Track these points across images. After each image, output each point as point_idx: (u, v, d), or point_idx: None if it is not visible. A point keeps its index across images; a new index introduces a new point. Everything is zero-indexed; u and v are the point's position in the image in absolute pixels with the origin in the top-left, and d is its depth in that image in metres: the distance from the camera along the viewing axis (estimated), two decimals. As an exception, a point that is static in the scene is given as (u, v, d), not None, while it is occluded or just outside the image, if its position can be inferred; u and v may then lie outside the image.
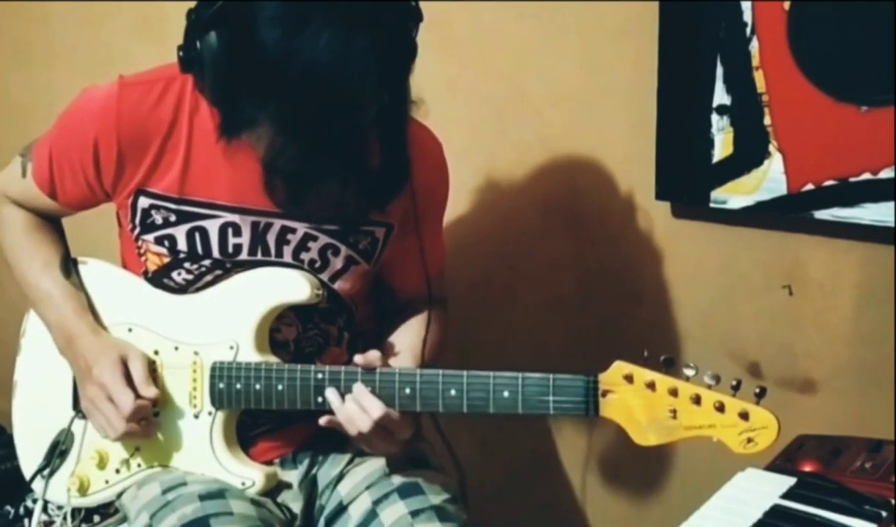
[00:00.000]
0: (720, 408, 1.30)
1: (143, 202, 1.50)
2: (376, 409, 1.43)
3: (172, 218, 1.50)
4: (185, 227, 1.50)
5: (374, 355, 1.46)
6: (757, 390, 1.29)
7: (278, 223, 1.50)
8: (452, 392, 1.41)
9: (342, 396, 1.45)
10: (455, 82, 1.96)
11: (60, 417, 1.63)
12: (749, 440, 1.29)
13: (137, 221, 1.51)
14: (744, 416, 1.29)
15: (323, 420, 1.47)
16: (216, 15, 1.29)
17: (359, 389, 1.45)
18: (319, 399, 1.47)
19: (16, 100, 2.63)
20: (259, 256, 1.51)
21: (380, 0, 1.29)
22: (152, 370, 1.54)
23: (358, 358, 1.46)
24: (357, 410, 1.44)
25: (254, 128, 1.33)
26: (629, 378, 1.34)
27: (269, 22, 1.25)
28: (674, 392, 1.32)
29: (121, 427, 1.50)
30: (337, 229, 1.51)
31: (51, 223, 1.64)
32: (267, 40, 1.24)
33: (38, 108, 2.42)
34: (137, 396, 1.49)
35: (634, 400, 1.34)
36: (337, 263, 1.53)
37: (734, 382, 1.30)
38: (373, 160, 1.40)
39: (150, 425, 1.53)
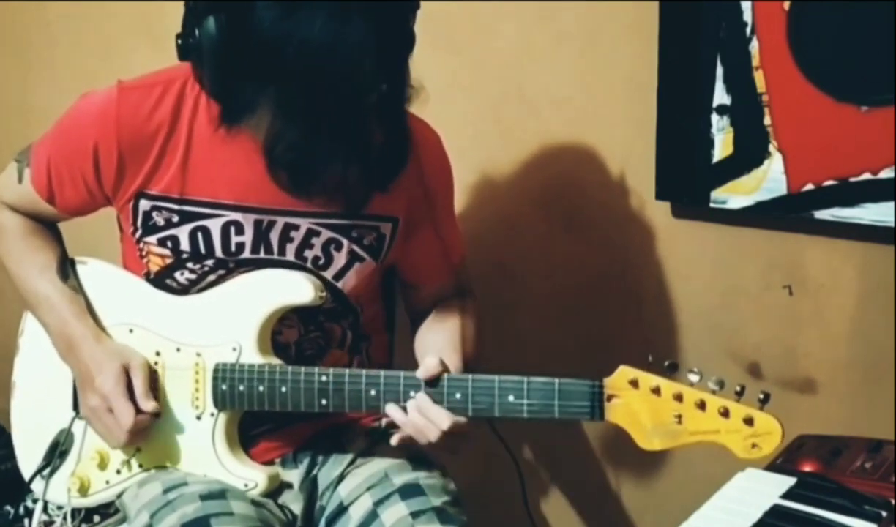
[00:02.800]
0: (725, 413, 1.30)
1: (144, 205, 1.50)
2: (444, 420, 1.41)
3: (175, 218, 1.50)
4: (188, 227, 1.50)
5: (432, 364, 1.43)
6: (761, 396, 1.29)
7: (281, 221, 1.50)
8: (457, 396, 1.41)
9: (404, 409, 1.43)
10: (455, 81, 1.96)
11: (60, 417, 1.62)
12: (753, 446, 1.30)
13: (139, 223, 1.51)
14: (748, 421, 1.30)
15: (394, 440, 1.46)
16: (214, 2, 1.29)
17: (422, 400, 1.42)
18: (323, 402, 1.47)
19: (16, 101, 2.63)
20: (262, 255, 1.51)
21: None
22: (153, 373, 1.54)
23: (420, 372, 1.43)
24: (424, 421, 1.42)
25: (253, 114, 1.34)
26: (634, 383, 1.35)
27: (265, 4, 1.26)
28: (679, 397, 1.32)
29: (122, 439, 1.50)
30: (340, 224, 1.51)
31: (48, 227, 1.63)
32: (263, 22, 1.26)
33: (38, 109, 2.41)
34: (138, 409, 1.50)
35: (639, 405, 1.34)
36: (340, 259, 1.53)
37: (738, 388, 1.30)
38: (374, 141, 1.40)
39: (148, 432, 1.53)
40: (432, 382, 1.43)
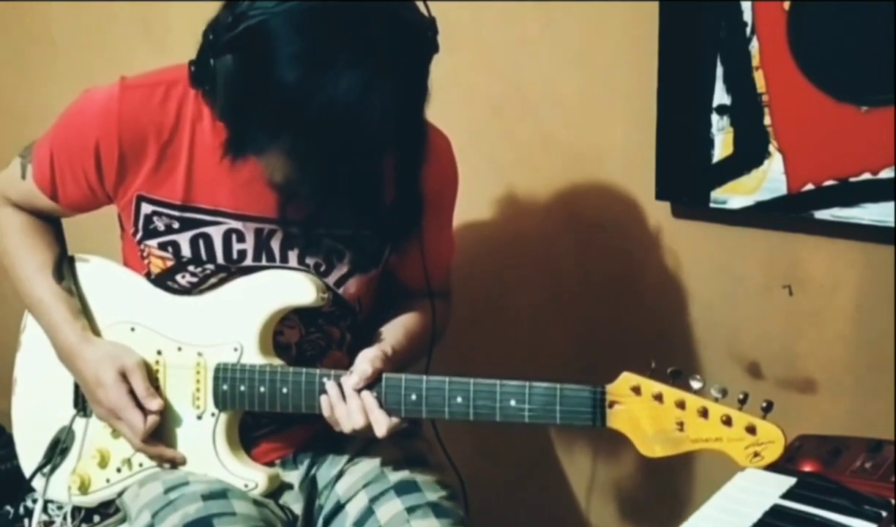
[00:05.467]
0: (727, 421, 1.30)
1: (146, 208, 1.49)
2: (383, 425, 1.43)
3: (175, 225, 1.49)
4: (189, 234, 1.49)
5: (363, 370, 1.44)
6: (764, 405, 1.29)
7: (283, 230, 1.49)
8: (459, 400, 1.41)
9: (343, 395, 1.45)
10: (455, 82, 1.96)
11: (61, 414, 1.63)
12: (755, 454, 1.29)
13: (140, 226, 1.51)
14: (751, 430, 1.30)
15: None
16: (234, 41, 1.25)
17: (368, 399, 1.43)
18: (324, 403, 1.47)
19: (16, 101, 2.63)
20: (264, 262, 1.51)
21: (404, 37, 1.26)
22: (154, 371, 1.55)
23: (351, 382, 1.44)
24: (359, 416, 1.43)
25: (263, 153, 1.32)
26: (636, 390, 1.34)
27: (289, 59, 1.22)
28: (681, 405, 1.32)
29: (139, 445, 1.53)
30: (343, 234, 1.51)
31: (49, 225, 1.63)
32: (286, 78, 1.22)
33: (39, 109, 2.41)
34: (144, 410, 1.51)
35: (641, 412, 1.34)
36: (343, 267, 1.53)
37: (741, 395, 1.30)
38: (387, 198, 1.40)
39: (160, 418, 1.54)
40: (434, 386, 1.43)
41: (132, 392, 1.51)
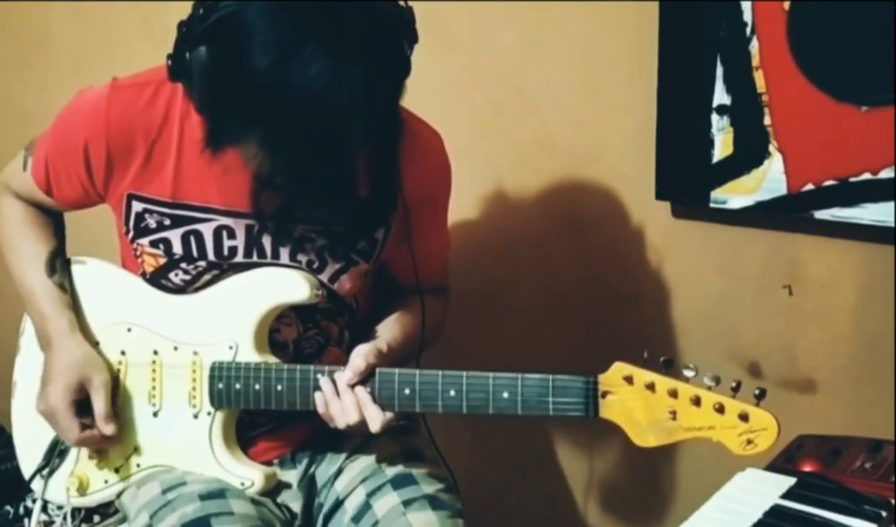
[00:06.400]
0: (720, 409, 1.30)
1: (137, 206, 1.50)
2: (377, 419, 1.43)
3: (166, 222, 1.49)
4: (180, 230, 1.50)
5: (357, 365, 1.44)
6: (757, 392, 1.29)
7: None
8: (452, 393, 1.41)
9: (337, 391, 1.45)
10: (455, 82, 1.96)
11: (59, 416, 1.63)
12: (749, 442, 1.29)
13: (131, 225, 1.51)
14: (743, 417, 1.29)
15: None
16: (207, 32, 1.26)
17: (361, 394, 1.44)
18: (319, 399, 1.47)
19: (17, 101, 2.63)
20: (255, 258, 1.51)
21: (375, 26, 1.27)
22: (151, 371, 1.55)
23: (345, 377, 1.44)
24: (354, 411, 1.44)
25: (240, 144, 1.32)
26: (629, 379, 1.34)
27: (259, 48, 1.22)
28: (673, 393, 1.32)
29: (71, 446, 1.55)
30: (334, 231, 1.51)
31: (49, 218, 1.64)
32: (257, 66, 1.22)
33: (39, 109, 2.41)
34: (87, 426, 1.52)
35: (634, 401, 1.34)
36: (335, 263, 1.53)
37: (734, 384, 1.30)
38: (361, 188, 1.40)
39: (114, 437, 1.54)
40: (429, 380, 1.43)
41: (78, 404, 1.52)
